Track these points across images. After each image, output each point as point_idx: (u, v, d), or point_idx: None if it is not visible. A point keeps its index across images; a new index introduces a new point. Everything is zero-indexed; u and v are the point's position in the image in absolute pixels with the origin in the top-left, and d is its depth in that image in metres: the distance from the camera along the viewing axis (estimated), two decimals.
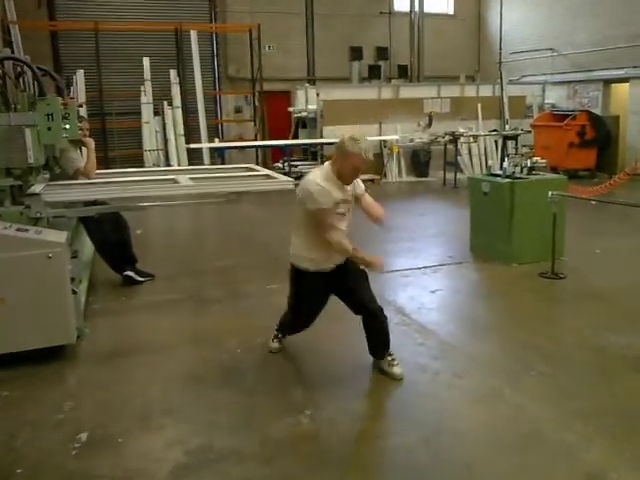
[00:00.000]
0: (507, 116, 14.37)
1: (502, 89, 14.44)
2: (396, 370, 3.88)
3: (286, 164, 13.16)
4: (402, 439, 3.19)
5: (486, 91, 15.11)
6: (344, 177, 3.64)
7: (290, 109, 15.10)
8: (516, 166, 6.61)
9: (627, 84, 14.04)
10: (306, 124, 14.57)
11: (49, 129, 4.47)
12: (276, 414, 3.44)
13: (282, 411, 3.45)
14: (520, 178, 6.51)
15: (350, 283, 3.82)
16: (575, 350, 4.29)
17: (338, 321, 4.68)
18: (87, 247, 6.20)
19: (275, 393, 3.68)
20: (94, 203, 5.31)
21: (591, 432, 3.20)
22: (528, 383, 3.82)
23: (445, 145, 12.88)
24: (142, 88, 14.41)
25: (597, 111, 14.21)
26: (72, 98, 9.52)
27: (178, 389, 3.80)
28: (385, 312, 3.88)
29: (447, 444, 3.17)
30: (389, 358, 3.91)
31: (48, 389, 3.80)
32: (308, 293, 3.87)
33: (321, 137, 13.49)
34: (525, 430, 3.27)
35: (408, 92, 14.58)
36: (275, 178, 5.76)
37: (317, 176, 3.62)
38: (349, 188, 3.73)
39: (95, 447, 3.15)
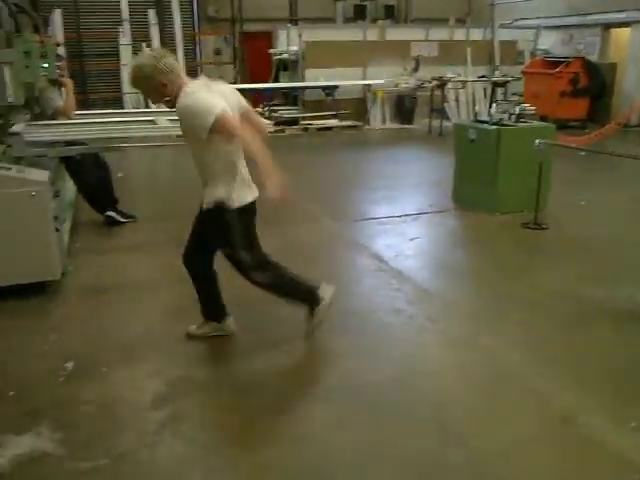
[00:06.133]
0: (497, 62, 14.03)
1: (493, 33, 14.07)
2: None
3: (266, 108, 12.98)
4: (373, 377, 3.27)
5: (476, 35, 14.71)
6: None
7: (271, 51, 14.51)
8: (504, 113, 6.43)
9: (628, 29, 13.07)
10: (287, 67, 14.03)
11: (27, 67, 4.41)
12: (254, 349, 3.58)
13: (260, 347, 3.57)
14: (508, 125, 6.34)
15: None
16: (553, 299, 4.26)
17: (312, 263, 4.76)
18: (69, 188, 6.19)
19: (253, 330, 3.79)
20: (73, 143, 5.28)
21: (564, 378, 3.24)
22: (504, 329, 3.84)
23: (432, 91, 12.63)
24: (120, 29, 13.98)
25: (594, 58, 13.37)
26: (49, 36, 9.25)
27: (160, 324, 3.93)
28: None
29: (417, 384, 3.23)
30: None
31: (33, 321, 3.92)
32: None
33: (303, 80, 13.16)
34: (497, 373, 3.31)
35: (394, 34, 14.18)
36: None
37: None
38: None
39: (81, 375, 3.28)
